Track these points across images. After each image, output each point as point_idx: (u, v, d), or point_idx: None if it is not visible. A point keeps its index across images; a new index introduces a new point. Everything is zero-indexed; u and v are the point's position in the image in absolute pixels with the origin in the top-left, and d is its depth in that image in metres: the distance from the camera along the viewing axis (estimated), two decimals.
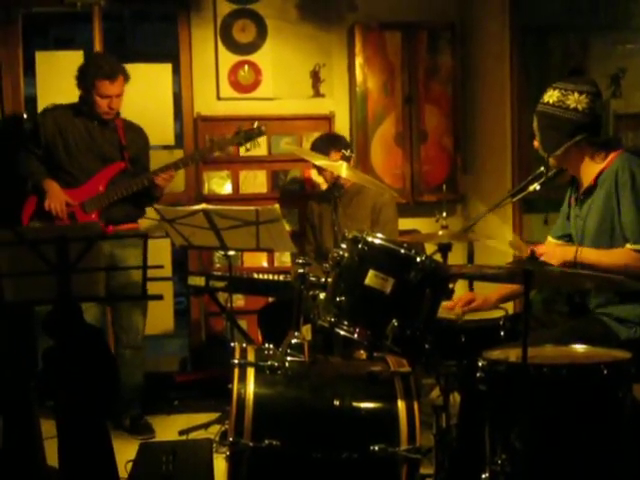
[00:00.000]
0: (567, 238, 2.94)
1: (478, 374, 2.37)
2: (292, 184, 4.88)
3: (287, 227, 3.98)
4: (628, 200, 2.65)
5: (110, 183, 3.95)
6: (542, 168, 2.95)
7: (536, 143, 2.87)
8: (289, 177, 4.88)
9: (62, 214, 3.86)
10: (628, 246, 2.64)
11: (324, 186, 4.40)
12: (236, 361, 2.45)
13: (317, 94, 4.92)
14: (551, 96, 2.77)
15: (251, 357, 2.48)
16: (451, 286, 2.70)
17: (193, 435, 3.86)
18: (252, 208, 3.60)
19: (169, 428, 4.04)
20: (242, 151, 4.43)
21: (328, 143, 4.17)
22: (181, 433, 3.89)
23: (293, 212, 4.84)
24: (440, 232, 2.95)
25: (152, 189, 4.00)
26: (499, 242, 2.87)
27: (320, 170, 4.12)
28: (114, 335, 4.13)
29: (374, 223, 4.06)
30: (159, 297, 4.04)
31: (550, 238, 3.03)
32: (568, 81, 2.76)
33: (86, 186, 3.94)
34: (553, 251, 2.71)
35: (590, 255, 2.65)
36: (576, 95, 2.72)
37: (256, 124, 4.09)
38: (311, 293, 2.72)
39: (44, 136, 3.98)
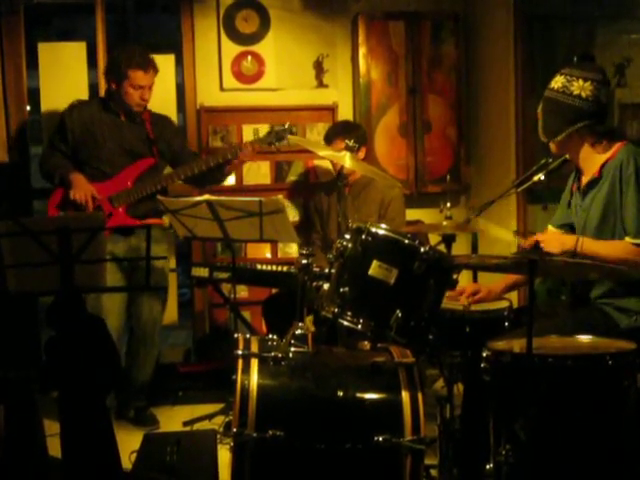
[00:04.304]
0: (567, 227, 2.93)
1: (482, 365, 2.37)
2: (296, 175, 4.88)
3: (291, 218, 3.98)
4: (631, 193, 2.64)
5: (138, 179, 3.93)
6: (546, 158, 2.94)
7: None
8: (292, 170, 4.88)
9: (87, 204, 3.82)
10: (627, 239, 2.63)
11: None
12: (240, 352, 2.45)
13: (320, 85, 4.90)
14: (557, 82, 2.75)
15: (255, 348, 2.48)
16: (455, 277, 2.69)
17: (197, 426, 3.86)
18: (256, 199, 3.59)
19: (173, 419, 4.04)
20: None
21: (335, 131, 4.17)
22: (185, 424, 3.90)
23: (297, 203, 4.84)
24: (444, 223, 2.94)
25: (223, 168, 4.00)
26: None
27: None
28: (131, 330, 4.11)
29: (382, 217, 4.06)
30: (163, 288, 4.08)
31: (550, 227, 3.02)
32: (575, 67, 2.74)
33: (114, 180, 3.91)
34: (552, 239, 2.69)
35: (590, 246, 2.63)
36: (580, 82, 2.70)
37: (287, 124, 4.05)
38: (315, 284, 2.72)
39: (71, 132, 3.95)
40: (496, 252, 4.25)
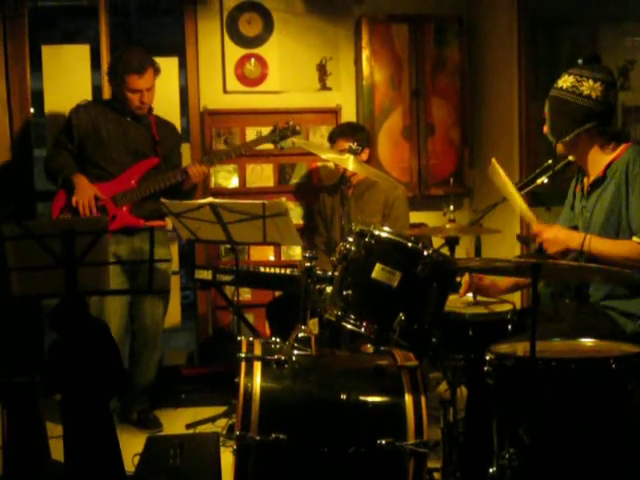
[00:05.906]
0: (573, 229, 2.91)
1: (486, 368, 2.36)
2: (300, 178, 4.88)
3: (294, 220, 3.97)
4: (637, 193, 2.62)
5: (143, 178, 3.93)
6: (550, 161, 2.93)
7: (546, 128, 2.82)
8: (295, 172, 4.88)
9: (89, 210, 3.80)
10: (635, 239, 2.61)
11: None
12: (243, 355, 2.45)
13: (324, 87, 4.91)
14: (565, 81, 2.72)
15: (258, 351, 2.48)
16: (458, 280, 2.69)
17: (200, 429, 3.86)
18: (259, 202, 3.59)
19: (176, 422, 4.05)
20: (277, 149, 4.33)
21: (339, 132, 4.18)
22: (188, 427, 3.90)
23: (301, 205, 4.84)
24: (447, 225, 2.93)
25: (183, 185, 3.99)
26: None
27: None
28: (133, 333, 4.11)
29: (385, 218, 4.06)
30: (166, 291, 4.08)
31: None
32: (584, 68, 2.72)
33: (118, 180, 3.92)
34: (556, 237, 2.65)
35: (597, 245, 2.60)
36: (591, 82, 2.68)
37: (291, 122, 4.06)
38: (318, 287, 2.72)
39: (77, 131, 3.94)
40: (500, 255, 4.25)
